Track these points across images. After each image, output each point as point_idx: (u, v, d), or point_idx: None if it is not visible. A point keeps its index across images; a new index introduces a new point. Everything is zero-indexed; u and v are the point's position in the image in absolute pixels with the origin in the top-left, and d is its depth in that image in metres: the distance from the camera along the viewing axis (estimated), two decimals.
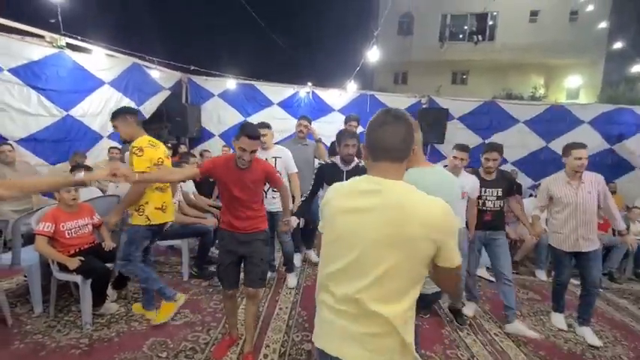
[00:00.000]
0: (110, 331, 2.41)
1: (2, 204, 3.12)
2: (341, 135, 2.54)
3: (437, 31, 15.64)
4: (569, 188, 2.70)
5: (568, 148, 2.69)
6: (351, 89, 6.72)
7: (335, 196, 1.07)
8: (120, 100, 5.02)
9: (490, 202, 2.83)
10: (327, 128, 6.10)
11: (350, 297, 0.97)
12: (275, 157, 3.10)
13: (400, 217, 0.93)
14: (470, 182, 2.76)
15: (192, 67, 6.32)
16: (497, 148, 2.81)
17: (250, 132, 1.96)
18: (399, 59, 14.91)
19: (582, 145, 2.65)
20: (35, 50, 3.94)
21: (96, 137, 4.74)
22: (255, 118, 6.28)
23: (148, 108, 5.71)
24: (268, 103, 6.51)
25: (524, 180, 6.20)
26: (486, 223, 2.84)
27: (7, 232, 2.70)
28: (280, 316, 2.76)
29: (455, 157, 2.71)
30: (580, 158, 2.61)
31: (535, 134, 6.39)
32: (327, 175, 2.53)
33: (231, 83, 6.40)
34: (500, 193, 2.83)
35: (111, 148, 4.61)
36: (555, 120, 6.33)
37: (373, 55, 5.53)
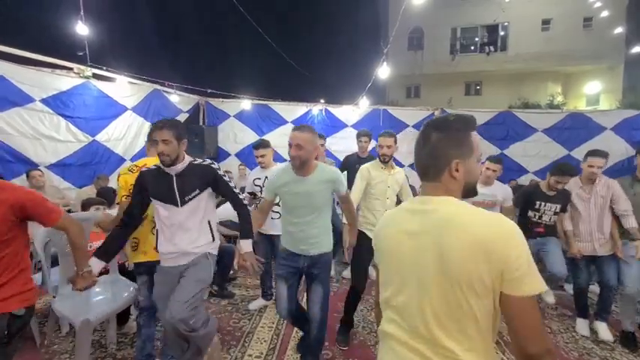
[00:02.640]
0: (133, 350, 2.43)
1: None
2: None
3: (447, 44, 15.71)
4: (582, 193, 2.75)
5: (586, 155, 2.74)
6: (363, 104, 6.79)
7: (389, 217, 1.02)
8: (142, 125, 5.26)
9: (547, 216, 2.86)
10: (341, 144, 6.15)
11: (419, 332, 0.87)
12: None
13: (448, 237, 0.82)
14: (502, 191, 2.91)
15: (210, 91, 6.58)
16: (571, 172, 2.77)
17: None
18: (410, 73, 15.02)
19: (599, 154, 2.67)
20: (64, 81, 4.21)
21: (119, 160, 4.95)
22: (269, 137, 6.41)
23: None
24: (282, 121, 6.65)
25: None
26: (538, 234, 2.87)
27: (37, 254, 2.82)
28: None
29: (488, 169, 2.85)
30: (592, 166, 2.65)
31: (555, 143, 6.24)
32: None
33: (246, 104, 6.60)
34: (558, 210, 2.85)
35: None
36: (576, 128, 6.18)
37: (384, 71, 5.61)
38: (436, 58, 15.35)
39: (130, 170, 2.09)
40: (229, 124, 6.72)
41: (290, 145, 1.88)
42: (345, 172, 4.01)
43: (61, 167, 4.20)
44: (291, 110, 6.69)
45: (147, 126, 5.34)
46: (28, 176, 3.68)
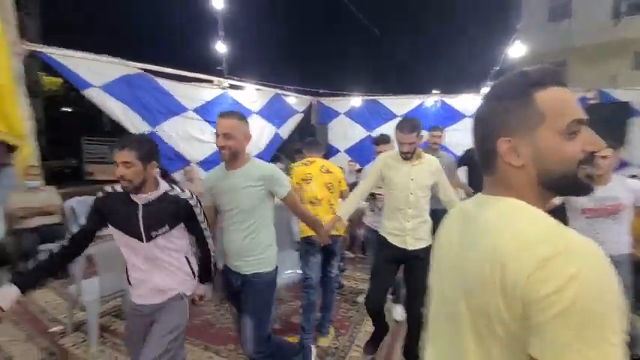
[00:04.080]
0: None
1: None
2: None
3: (608, 5, 12.37)
4: None
5: None
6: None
7: (447, 217, 0.75)
8: (264, 126, 5.94)
9: None
10: (457, 136, 5.58)
11: None
12: None
13: (473, 251, 0.56)
14: (628, 188, 2.00)
15: (322, 91, 6.93)
16: None
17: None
18: (551, 49, 12.47)
19: None
20: (208, 92, 5.12)
21: None
22: (378, 132, 6.31)
23: (285, 131, 6.54)
24: (392, 116, 6.47)
25: None
26: None
27: None
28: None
29: None
30: None
31: None
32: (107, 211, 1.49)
33: (355, 101, 6.69)
34: None
35: None
36: None
37: (517, 50, 4.80)
38: (590, 25, 12.27)
39: (304, 164, 2.51)
40: (339, 121, 6.93)
41: (217, 135, 1.61)
42: (465, 168, 3.62)
43: (207, 164, 5.11)
44: (401, 104, 6.45)
45: (268, 127, 6.02)
46: (184, 171, 4.62)
